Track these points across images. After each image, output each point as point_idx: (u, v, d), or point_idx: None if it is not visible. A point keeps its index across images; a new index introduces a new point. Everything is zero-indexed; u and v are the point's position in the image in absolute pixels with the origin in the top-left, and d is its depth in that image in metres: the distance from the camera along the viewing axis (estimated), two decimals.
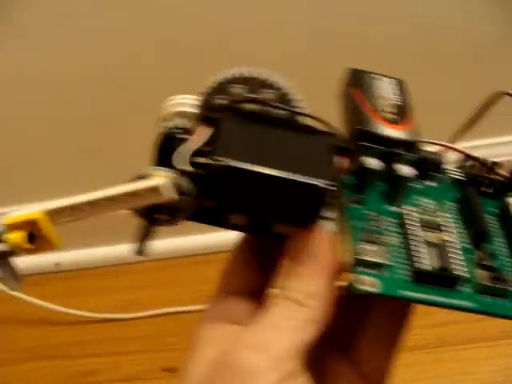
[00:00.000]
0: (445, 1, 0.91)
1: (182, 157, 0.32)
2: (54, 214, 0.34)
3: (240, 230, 0.36)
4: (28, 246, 0.33)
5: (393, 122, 0.34)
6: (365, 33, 0.93)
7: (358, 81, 0.37)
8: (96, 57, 0.95)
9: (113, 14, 0.92)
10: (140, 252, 0.35)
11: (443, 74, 0.96)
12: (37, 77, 0.98)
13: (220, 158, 0.31)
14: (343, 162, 0.34)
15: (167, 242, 1.11)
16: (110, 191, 0.33)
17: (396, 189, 0.35)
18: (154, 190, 0.32)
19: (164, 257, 1.11)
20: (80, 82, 0.98)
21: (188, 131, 0.34)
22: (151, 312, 1.03)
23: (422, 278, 0.32)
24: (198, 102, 0.34)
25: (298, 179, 0.31)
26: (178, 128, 0.34)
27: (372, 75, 0.37)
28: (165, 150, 0.33)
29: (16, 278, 0.34)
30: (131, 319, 1.04)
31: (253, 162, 0.31)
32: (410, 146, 0.34)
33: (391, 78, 0.38)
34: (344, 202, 0.34)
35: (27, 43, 0.95)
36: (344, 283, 0.32)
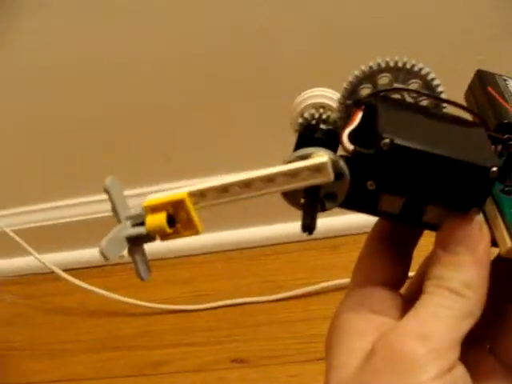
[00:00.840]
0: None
1: (344, 139, 0.32)
2: (199, 197, 0.32)
3: (389, 219, 0.35)
4: (168, 229, 0.32)
5: None
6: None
7: (491, 81, 0.38)
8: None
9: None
10: (308, 229, 0.33)
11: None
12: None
13: (387, 136, 0.31)
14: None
15: (232, 234, 1.12)
16: (267, 171, 0.32)
17: None
18: (318, 168, 0.31)
19: (229, 248, 1.12)
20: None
21: (327, 121, 0.34)
22: (217, 303, 1.04)
23: None
24: (333, 96, 0.35)
25: (469, 160, 0.31)
26: (317, 118, 0.34)
27: (498, 76, 0.38)
28: (306, 140, 0.34)
29: (147, 265, 0.33)
30: (198, 310, 1.04)
31: (419, 142, 0.31)
32: None
33: None
34: (495, 192, 0.34)
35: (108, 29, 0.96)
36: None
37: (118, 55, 0.98)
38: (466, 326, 0.31)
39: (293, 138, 0.35)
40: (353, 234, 1.04)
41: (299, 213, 0.33)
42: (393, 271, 0.36)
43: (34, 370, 1.03)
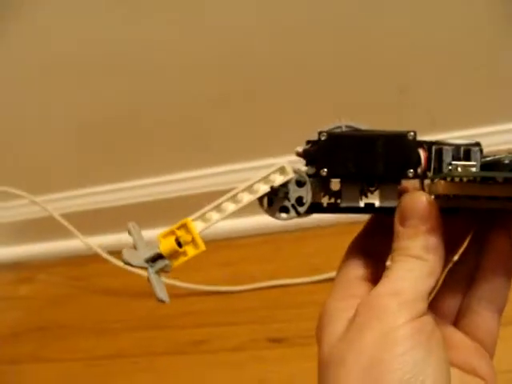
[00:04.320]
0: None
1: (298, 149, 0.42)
2: (201, 219, 0.41)
3: (354, 212, 0.42)
4: (177, 247, 0.40)
5: None
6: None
7: None
8: None
9: None
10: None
11: None
12: None
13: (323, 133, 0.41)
14: None
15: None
16: (247, 183, 0.41)
17: None
18: (281, 169, 0.41)
19: (270, 231, 1.14)
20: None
21: None
22: (258, 285, 1.06)
23: None
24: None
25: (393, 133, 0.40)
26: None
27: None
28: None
29: (164, 289, 0.41)
30: (238, 292, 1.06)
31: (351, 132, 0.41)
32: None
33: None
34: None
35: None
36: None
37: (155, 44, 1.01)
38: (429, 282, 0.38)
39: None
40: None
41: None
42: (368, 270, 0.43)
43: (81, 347, 1.07)
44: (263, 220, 1.15)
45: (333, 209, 0.42)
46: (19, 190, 1.12)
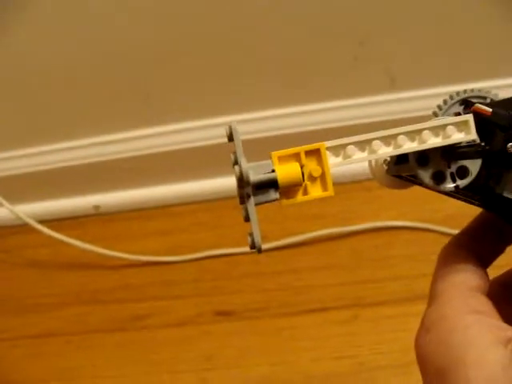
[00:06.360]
0: None
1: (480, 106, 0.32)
2: (336, 151, 0.31)
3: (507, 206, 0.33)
4: (301, 180, 0.29)
5: None
6: None
7: None
8: None
9: None
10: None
11: None
12: None
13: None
14: None
15: (212, 183, 1.07)
16: (413, 126, 0.31)
17: None
18: (464, 124, 0.31)
19: (211, 198, 1.07)
20: None
21: None
22: (199, 255, 1.00)
23: None
24: None
25: None
26: None
27: None
28: None
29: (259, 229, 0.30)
30: (179, 262, 1.00)
31: None
32: None
33: None
34: None
35: None
36: None
37: None
38: None
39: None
40: (342, 183, 1.00)
41: None
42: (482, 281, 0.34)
43: (6, 326, 0.98)
44: (203, 185, 1.11)
45: (487, 194, 0.33)
46: None
